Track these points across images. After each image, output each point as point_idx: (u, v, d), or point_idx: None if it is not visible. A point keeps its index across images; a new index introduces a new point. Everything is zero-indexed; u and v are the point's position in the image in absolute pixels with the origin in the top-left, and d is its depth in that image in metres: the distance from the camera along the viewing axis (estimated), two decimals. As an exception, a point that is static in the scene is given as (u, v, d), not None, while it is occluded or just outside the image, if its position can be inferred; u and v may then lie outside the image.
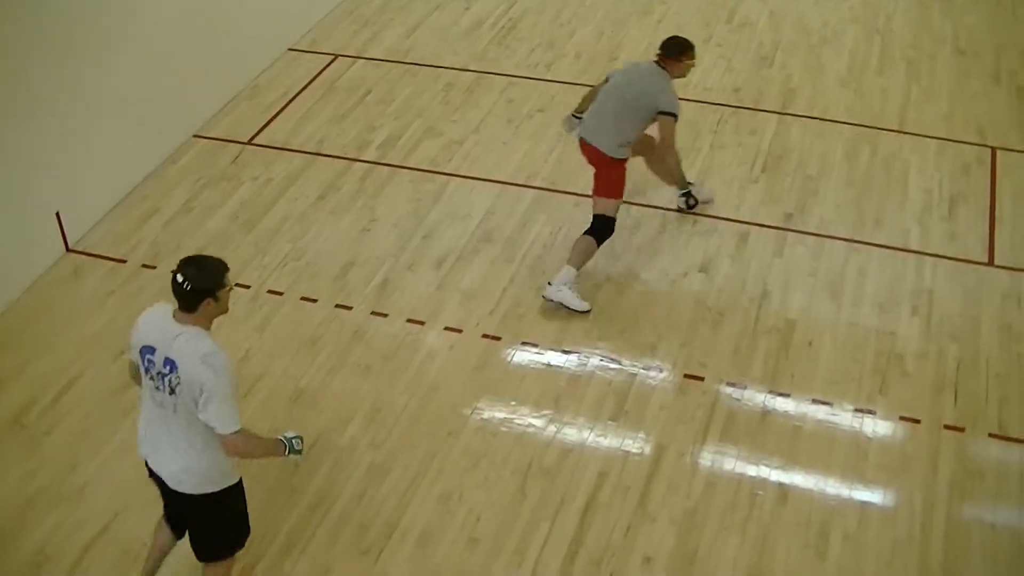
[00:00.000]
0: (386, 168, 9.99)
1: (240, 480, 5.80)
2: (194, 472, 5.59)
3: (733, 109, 10.67)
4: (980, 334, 8.16)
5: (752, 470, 7.18)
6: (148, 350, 5.45)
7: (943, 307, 8.39)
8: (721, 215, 9.32)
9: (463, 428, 7.51)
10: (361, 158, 10.12)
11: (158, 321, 5.48)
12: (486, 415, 7.60)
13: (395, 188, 9.75)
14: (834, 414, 7.55)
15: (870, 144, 10.13)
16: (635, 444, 7.37)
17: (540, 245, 9.05)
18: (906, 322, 8.25)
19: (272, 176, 9.93)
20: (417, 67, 11.52)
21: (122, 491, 7.08)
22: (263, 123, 10.67)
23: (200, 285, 5.31)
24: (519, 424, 7.50)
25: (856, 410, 7.57)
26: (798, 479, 7.12)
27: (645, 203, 9.42)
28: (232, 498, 5.82)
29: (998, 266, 8.78)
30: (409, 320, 8.39)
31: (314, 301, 8.60)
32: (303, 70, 11.54)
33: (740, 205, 9.41)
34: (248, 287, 8.72)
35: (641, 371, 7.91)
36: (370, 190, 9.72)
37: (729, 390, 7.74)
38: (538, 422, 7.51)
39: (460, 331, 8.30)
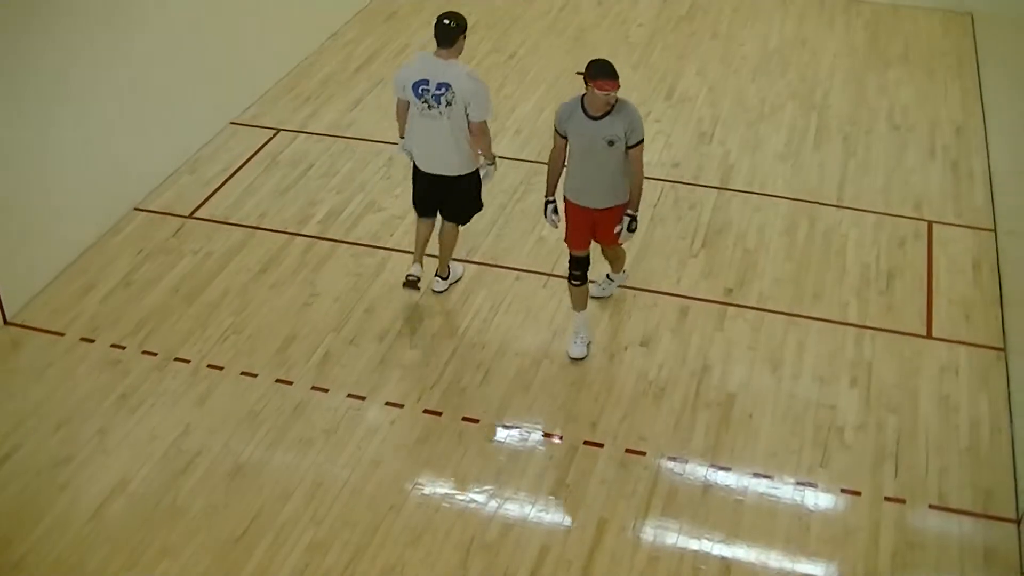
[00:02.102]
0: (328, 242, 9.98)
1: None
2: (461, 157, 8.65)
3: (672, 184, 10.75)
4: (919, 405, 8.23)
5: (694, 544, 7.18)
6: (422, 82, 8.47)
7: (882, 379, 8.47)
8: (662, 290, 9.38)
9: (404, 503, 7.47)
10: (303, 232, 10.12)
11: (425, 62, 8.57)
12: (427, 490, 7.57)
13: (336, 262, 9.74)
14: (775, 487, 7.57)
15: (808, 218, 10.24)
16: (577, 518, 7.35)
17: (480, 319, 9.08)
18: (845, 394, 8.32)
19: (213, 249, 9.90)
20: (358, 142, 11.56)
21: (58, 567, 6.98)
22: (205, 196, 10.65)
23: (460, 23, 8.52)
24: (461, 499, 7.47)
25: (797, 483, 7.60)
26: (740, 552, 7.12)
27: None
28: (477, 177, 8.88)
29: (936, 338, 8.87)
30: (350, 395, 8.36)
31: (254, 376, 8.56)
32: (245, 144, 11.55)
33: (680, 279, 9.48)
34: (188, 361, 8.68)
35: (582, 445, 7.90)
36: (312, 264, 9.71)
37: (670, 464, 7.76)
38: (480, 497, 7.48)
39: (401, 406, 8.28)
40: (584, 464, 7.75)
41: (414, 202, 9.15)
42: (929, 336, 8.89)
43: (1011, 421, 8.12)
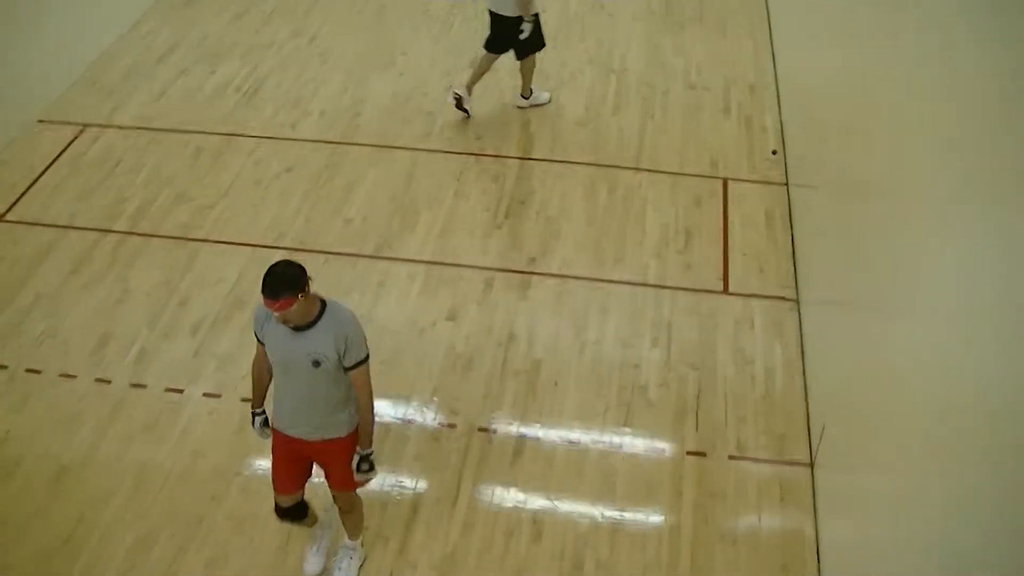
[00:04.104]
0: (138, 237, 9.97)
1: None
2: None
3: (476, 157, 10.95)
4: (717, 360, 8.62)
5: (508, 509, 7.47)
6: None
7: (682, 337, 8.82)
8: (466, 263, 9.58)
9: (227, 492, 7.64)
10: (113, 229, 10.08)
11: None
12: (248, 478, 7.71)
13: (148, 257, 9.74)
14: (583, 448, 7.88)
15: (609, 182, 10.53)
16: (392, 493, 7.57)
17: (292, 304, 9.13)
18: (647, 354, 8.65)
19: (22, 253, 9.82)
20: (165, 133, 11.49)
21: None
22: (12, 200, 10.52)
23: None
24: (279, 484, 7.62)
25: (603, 443, 7.94)
26: (551, 515, 7.44)
27: (392, 255, 9.65)
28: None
29: (731, 293, 9.25)
30: (168, 389, 8.45)
31: (73, 377, 8.58)
32: (49, 143, 11.41)
33: (486, 251, 9.70)
34: (6, 367, 8.66)
35: (395, 422, 8.12)
36: (123, 260, 9.70)
37: (481, 434, 8.02)
38: (297, 480, 7.64)
39: (219, 396, 8.40)
40: (398, 440, 7.97)
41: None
42: (726, 292, 9.27)
43: (803, 368, 8.53)
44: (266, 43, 13.11)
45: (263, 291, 5.72)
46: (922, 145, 5.81)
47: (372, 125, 11.43)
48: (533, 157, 10.96)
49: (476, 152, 11.02)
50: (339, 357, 6.04)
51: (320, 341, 5.99)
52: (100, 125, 11.67)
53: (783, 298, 9.21)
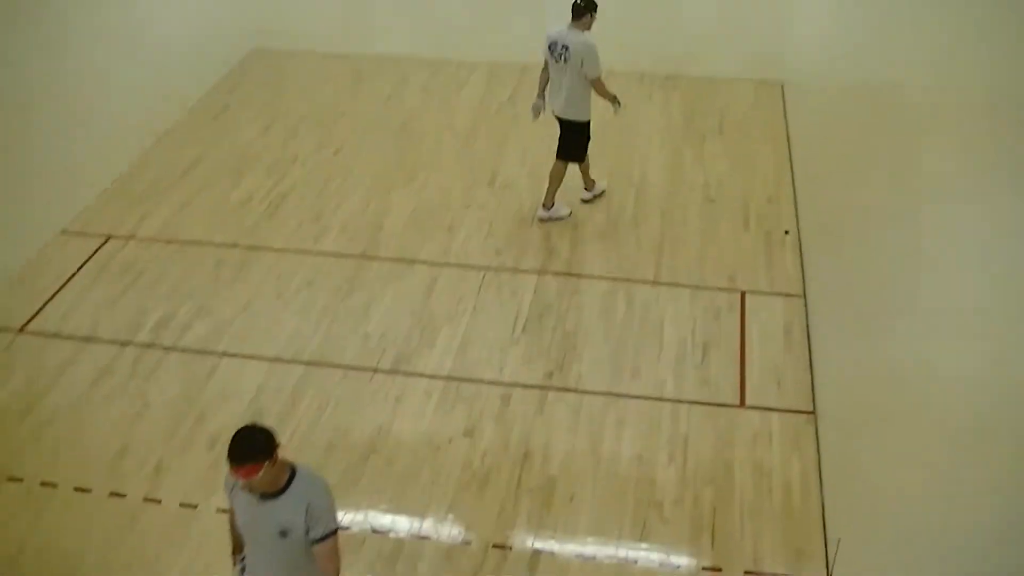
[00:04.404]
0: (159, 350, 10.06)
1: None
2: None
3: (495, 271, 11.02)
4: (734, 474, 8.59)
5: (519, 628, 7.43)
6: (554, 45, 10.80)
7: (698, 451, 8.81)
8: (484, 378, 9.61)
9: (239, 609, 7.62)
10: (134, 341, 10.18)
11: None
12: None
13: (167, 370, 9.82)
14: (597, 564, 7.85)
15: (627, 296, 10.59)
16: (406, 612, 7.56)
17: (307, 422, 9.20)
18: (664, 469, 8.64)
19: (43, 364, 9.93)
20: (188, 245, 11.64)
21: None
22: (35, 309, 10.66)
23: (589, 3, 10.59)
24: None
25: (618, 558, 7.89)
26: (563, 633, 7.39)
27: (410, 371, 9.70)
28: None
29: (749, 407, 9.24)
30: (183, 504, 8.46)
31: (88, 491, 8.60)
32: (75, 252, 11.56)
33: (503, 367, 9.73)
34: (21, 480, 8.70)
35: (409, 539, 8.11)
36: (143, 373, 9.78)
37: (496, 551, 7.98)
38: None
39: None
40: (411, 557, 7.94)
41: None
42: (742, 405, 9.27)
43: (820, 482, 8.50)
44: (291, 156, 13.30)
45: (228, 457, 5.48)
46: (938, 250, 5.87)
47: (393, 240, 11.54)
48: (551, 271, 11.03)
49: (495, 267, 11.09)
50: (307, 526, 5.71)
51: (288, 510, 5.68)
52: (123, 236, 11.81)
53: (800, 411, 9.20)
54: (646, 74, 15.21)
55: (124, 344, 10.17)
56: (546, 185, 11.73)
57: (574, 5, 10.89)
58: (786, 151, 13.20)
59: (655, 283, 10.81)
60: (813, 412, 9.17)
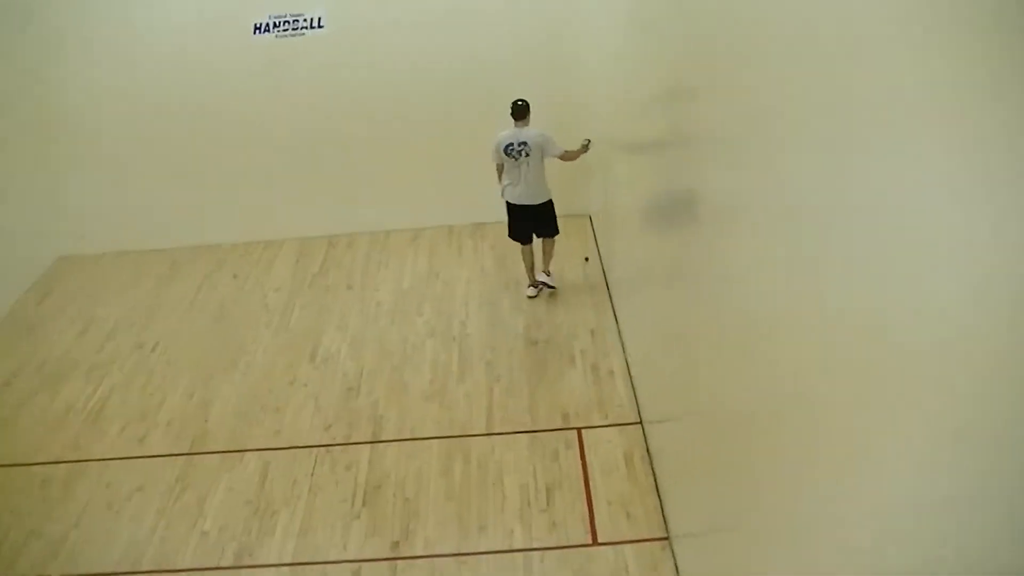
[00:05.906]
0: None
1: None
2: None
3: (327, 448, 10.81)
4: (595, 616, 8.45)
5: None
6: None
7: (558, 599, 8.66)
8: (330, 559, 9.34)
9: None
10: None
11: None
12: None
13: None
14: None
15: (463, 453, 10.46)
16: None
17: (153, 632, 8.84)
18: (522, 621, 8.47)
19: None
20: (10, 469, 11.17)
21: None
22: None
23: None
24: None
25: None
26: None
27: (252, 563, 9.37)
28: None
29: (602, 543, 9.14)
30: None
31: None
32: None
33: (347, 544, 9.47)
34: None
35: None
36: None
37: None
38: None
39: None
40: None
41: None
42: (595, 543, 9.15)
43: (684, 607, 8.42)
44: (109, 359, 13.00)
45: None
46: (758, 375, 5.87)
47: (221, 430, 11.27)
48: (383, 439, 10.86)
49: (327, 443, 10.88)
50: None
51: None
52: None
53: (655, 539, 9.12)
54: (454, 227, 15.31)
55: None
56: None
57: (516, 107, 12.36)
58: (603, 282, 13.35)
59: (489, 434, 10.71)
60: (667, 537, 9.10)
